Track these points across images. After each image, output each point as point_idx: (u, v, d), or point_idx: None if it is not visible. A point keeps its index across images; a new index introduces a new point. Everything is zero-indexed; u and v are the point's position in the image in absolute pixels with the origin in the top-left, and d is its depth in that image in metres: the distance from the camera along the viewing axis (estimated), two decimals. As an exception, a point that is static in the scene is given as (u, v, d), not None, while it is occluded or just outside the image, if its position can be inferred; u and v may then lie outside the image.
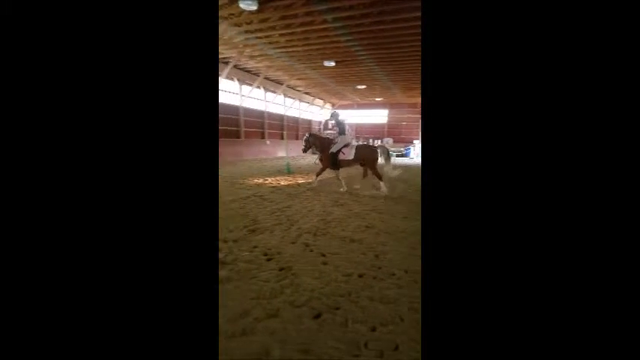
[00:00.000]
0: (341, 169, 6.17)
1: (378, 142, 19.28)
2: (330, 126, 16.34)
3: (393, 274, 2.33)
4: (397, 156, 17.92)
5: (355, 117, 24.17)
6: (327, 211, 4.35)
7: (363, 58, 11.62)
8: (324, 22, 8.14)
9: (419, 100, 20.86)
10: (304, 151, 6.45)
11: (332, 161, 6.00)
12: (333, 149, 6.00)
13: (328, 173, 6.48)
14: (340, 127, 6.18)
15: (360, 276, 2.29)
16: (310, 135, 6.48)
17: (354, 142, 6.45)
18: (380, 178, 5.77)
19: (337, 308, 1.85)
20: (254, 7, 7.04)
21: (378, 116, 24.43)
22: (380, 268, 2.44)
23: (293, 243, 2.99)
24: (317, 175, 6.37)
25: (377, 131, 23.68)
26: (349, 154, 5.92)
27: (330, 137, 6.42)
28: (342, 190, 5.94)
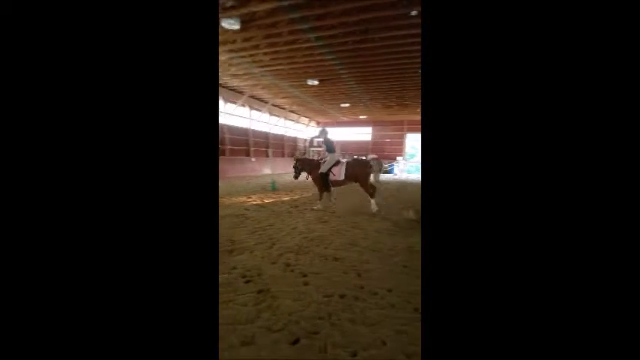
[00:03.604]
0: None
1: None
2: (315, 143, 16.38)
3: (376, 294, 2.25)
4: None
5: (340, 134, 24.44)
6: (310, 228, 4.27)
7: (346, 76, 11.87)
8: (308, 41, 8.29)
9: (401, 117, 21.32)
10: (295, 177, 6.09)
11: (323, 182, 5.61)
12: (323, 169, 5.61)
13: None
14: (328, 144, 5.77)
15: (342, 297, 2.20)
16: (297, 161, 6.15)
17: (343, 160, 5.99)
18: (372, 195, 5.37)
19: (316, 332, 1.75)
20: (237, 27, 7.12)
21: (363, 134, 24.80)
22: (362, 287, 2.36)
23: (273, 263, 2.88)
24: (320, 199, 5.81)
25: (362, 148, 23.95)
26: (340, 174, 5.50)
27: (318, 157, 6.19)
28: (315, 208, 5.63)
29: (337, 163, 5.68)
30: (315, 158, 6.09)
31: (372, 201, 5.35)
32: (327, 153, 5.82)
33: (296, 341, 1.67)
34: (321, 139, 5.90)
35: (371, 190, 5.45)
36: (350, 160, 6.06)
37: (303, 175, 6.11)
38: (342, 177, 5.51)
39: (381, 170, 5.73)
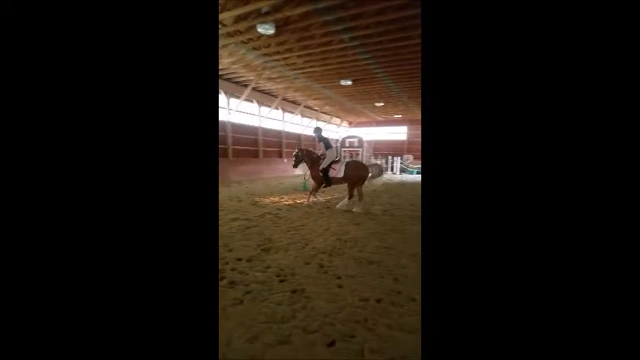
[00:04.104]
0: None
1: (397, 159, 18.99)
2: (347, 143, 16.28)
3: (414, 300, 2.17)
4: (417, 173, 17.57)
5: (374, 134, 24.13)
6: (343, 230, 4.23)
7: (381, 75, 11.69)
8: (342, 41, 8.26)
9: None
10: (295, 166, 6.27)
11: (324, 178, 5.80)
12: (323, 165, 5.79)
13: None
14: (325, 142, 5.95)
15: (378, 301, 2.14)
16: (299, 150, 6.26)
17: (345, 159, 6.12)
18: (351, 197, 5.61)
19: (352, 336, 1.72)
20: (272, 31, 7.26)
21: (398, 133, 24.28)
22: (400, 292, 2.29)
23: (307, 263, 2.88)
24: (310, 194, 6.20)
25: (397, 148, 23.47)
26: (339, 172, 5.65)
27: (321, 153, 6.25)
28: (338, 206, 5.77)
29: (337, 160, 5.85)
30: (350, 158, 6.15)
31: (346, 200, 5.64)
32: (325, 150, 5.92)
33: (332, 343, 1.65)
34: (317, 138, 6.09)
35: (353, 193, 5.67)
36: (350, 160, 6.17)
37: (304, 168, 6.27)
38: (341, 174, 5.67)
39: (379, 175, 5.93)
